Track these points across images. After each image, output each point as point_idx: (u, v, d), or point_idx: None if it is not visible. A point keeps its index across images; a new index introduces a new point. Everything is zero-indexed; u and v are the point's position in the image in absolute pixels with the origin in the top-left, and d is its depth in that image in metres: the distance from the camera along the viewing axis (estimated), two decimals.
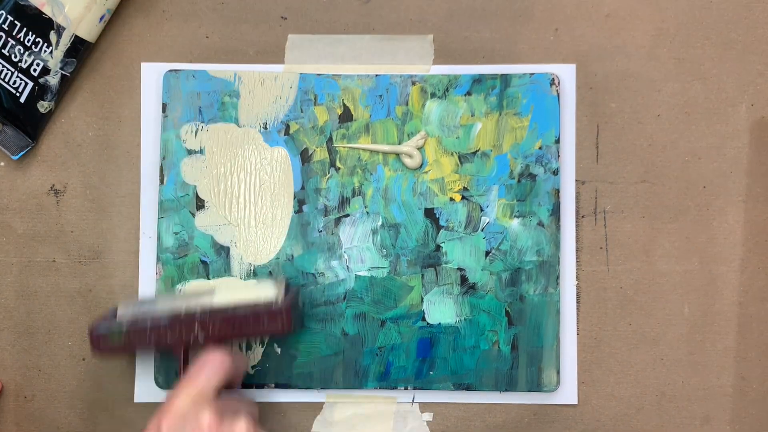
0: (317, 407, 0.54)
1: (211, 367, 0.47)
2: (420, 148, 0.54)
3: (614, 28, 0.55)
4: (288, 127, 0.54)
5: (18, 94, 0.53)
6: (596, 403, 0.54)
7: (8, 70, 0.53)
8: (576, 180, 0.55)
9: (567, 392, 0.54)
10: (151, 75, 0.55)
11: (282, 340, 0.53)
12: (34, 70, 0.53)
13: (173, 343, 0.49)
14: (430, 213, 0.54)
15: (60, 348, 0.55)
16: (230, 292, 0.50)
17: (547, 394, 0.54)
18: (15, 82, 0.53)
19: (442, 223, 0.54)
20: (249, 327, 0.49)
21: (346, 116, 0.54)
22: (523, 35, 0.55)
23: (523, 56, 0.55)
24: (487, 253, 0.54)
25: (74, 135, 0.55)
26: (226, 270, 0.54)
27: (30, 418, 0.55)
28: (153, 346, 0.49)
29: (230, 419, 0.45)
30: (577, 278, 0.54)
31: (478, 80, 0.54)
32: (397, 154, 0.54)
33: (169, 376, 0.53)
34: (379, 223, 0.54)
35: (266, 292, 0.50)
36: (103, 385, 0.54)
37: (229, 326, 0.49)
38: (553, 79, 0.54)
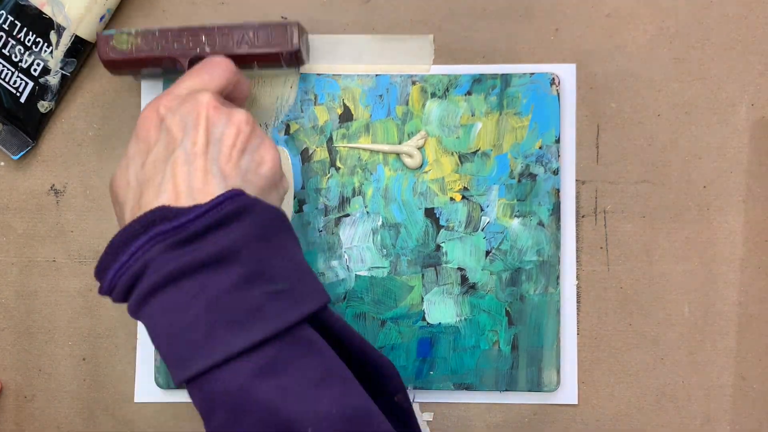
0: None
1: (215, 66, 0.45)
2: (420, 148, 0.54)
3: (614, 28, 0.55)
4: (288, 126, 0.54)
5: (18, 94, 0.53)
6: (596, 403, 0.54)
7: (8, 70, 0.53)
8: (576, 180, 0.55)
9: (567, 392, 0.54)
10: (151, 75, 0.55)
11: None
12: (35, 70, 0.53)
13: (179, 52, 0.48)
14: (430, 213, 0.54)
15: (60, 348, 0.55)
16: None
17: (547, 394, 0.54)
18: (15, 82, 0.53)
19: (442, 222, 0.54)
20: (253, 41, 0.48)
21: (346, 116, 0.54)
22: (523, 35, 0.55)
23: (523, 56, 0.55)
24: (488, 253, 0.54)
25: (74, 135, 0.55)
26: None
27: (30, 418, 0.54)
28: (158, 55, 0.48)
29: (230, 106, 0.43)
30: (577, 278, 0.54)
31: (478, 80, 0.54)
32: (398, 154, 0.54)
33: (170, 376, 0.53)
34: (380, 222, 0.54)
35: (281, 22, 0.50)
36: (103, 385, 0.54)
37: (235, 41, 0.48)
38: (554, 79, 0.54)
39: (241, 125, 0.42)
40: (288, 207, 0.53)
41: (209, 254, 0.38)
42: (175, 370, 0.39)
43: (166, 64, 0.50)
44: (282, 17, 0.55)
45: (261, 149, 0.43)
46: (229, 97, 0.47)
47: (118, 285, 0.39)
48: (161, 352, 0.39)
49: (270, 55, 0.49)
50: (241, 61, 0.49)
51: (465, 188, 0.54)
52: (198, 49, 0.48)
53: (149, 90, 0.55)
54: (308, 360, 0.39)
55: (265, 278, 0.39)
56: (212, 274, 0.38)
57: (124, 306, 0.54)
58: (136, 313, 0.40)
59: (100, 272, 0.40)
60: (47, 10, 0.52)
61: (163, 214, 0.39)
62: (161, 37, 0.49)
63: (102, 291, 0.41)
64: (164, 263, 0.38)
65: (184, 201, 0.39)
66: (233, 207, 0.39)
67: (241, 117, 0.43)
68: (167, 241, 0.38)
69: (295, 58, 0.50)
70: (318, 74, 0.54)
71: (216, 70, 0.45)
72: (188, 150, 0.41)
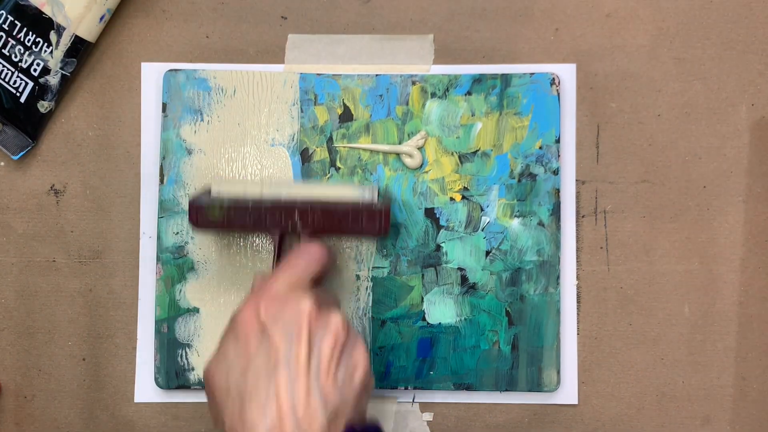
0: None
1: (309, 256, 0.46)
2: (420, 148, 0.54)
3: (614, 28, 0.55)
4: (288, 127, 0.54)
5: (18, 94, 0.53)
6: (596, 403, 0.54)
7: (8, 70, 0.53)
8: (576, 180, 0.55)
9: (567, 392, 0.54)
10: (151, 75, 0.55)
11: None
12: (35, 70, 0.53)
13: (271, 227, 0.49)
14: (430, 213, 0.54)
15: (60, 348, 0.55)
16: (328, 188, 0.51)
17: (547, 394, 0.54)
18: (15, 82, 0.53)
19: (442, 222, 0.54)
20: (347, 223, 0.49)
21: (346, 116, 0.54)
22: (523, 35, 0.55)
23: (523, 56, 0.55)
24: (488, 253, 0.54)
25: (74, 135, 0.55)
26: (226, 270, 0.54)
27: (30, 418, 0.54)
28: (250, 227, 0.49)
29: (326, 310, 0.43)
30: (578, 278, 0.54)
31: (478, 80, 0.54)
32: (398, 154, 0.54)
33: (170, 376, 0.53)
34: None
35: (363, 192, 0.50)
36: (103, 385, 0.54)
37: (328, 219, 0.49)
38: (554, 79, 0.54)
39: (339, 331, 0.42)
40: None
41: None
42: None
43: (256, 231, 0.51)
44: (282, 17, 0.55)
45: (354, 353, 0.43)
46: (323, 269, 0.47)
47: None
48: None
49: (357, 234, 0.51)
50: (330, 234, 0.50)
51: (465, 188, 0.54)
52: (290, 225, 0.49)
53: (150, 89, 0.55)
54: None
55: None
56: None
57: (124, 306, 0.54)
58: None
59: None
60: (47, 10, 0.52)
61: None
62: (254, 211, 0.49)
63: None
64: None
65: (287, 424, 0.39)
66: None
67: (337, 321, 0.43)
68: None
69: (383, 236, 0.52)
70: (318, 74, 0.54)
71: (312, 262, 0.46)
72: (292, 366, 0.41)
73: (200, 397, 0.54)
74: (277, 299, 0.43)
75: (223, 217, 0.49)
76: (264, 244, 0.54)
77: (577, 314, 0.54)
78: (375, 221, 0.49)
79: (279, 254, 0.49)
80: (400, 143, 0.54)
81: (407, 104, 0.54)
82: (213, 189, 0.51)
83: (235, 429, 0.40)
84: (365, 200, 0.50)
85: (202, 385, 0.53)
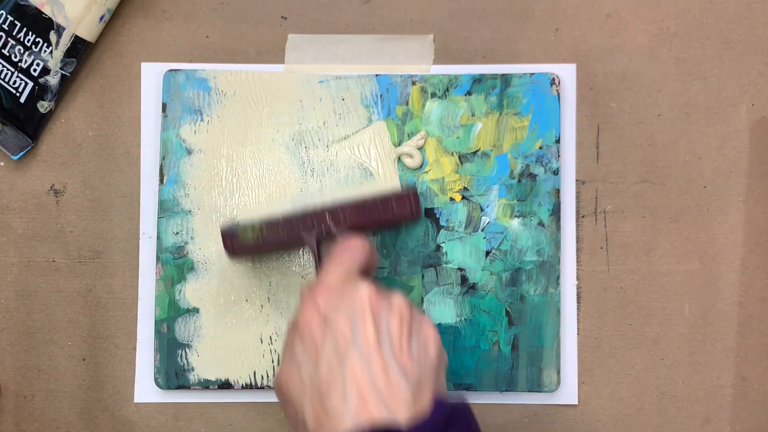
0: None
1: (352, 247, 0.46)
2: (420, 148, 0.54)
3: (614, 28, 0.55)
4: (288, 127, 0.54)
5: (18, 94, 0.53)
6: (596, 403, 0.54)
7: (8, 70, 0.53)
8: (576, 180, 0.55)
9: (567, 392, 0.54)
10: (151, 75, 0.55)
11: None
12: (34, 70, 0.53)
13: (305, 235, 0.49)
14: (430, 213, 0.54)
15: (60, 348, 0.55)
16: (350, 188, 0.52)
17: (547, 394, 0.54)
18: (15, 82, 0.53)
19: (442, 223, 0.54)
20: (378, 214, 0.49)
21: (346, 116, 0.54)
22: (523, 35, 0.55)
23: (523, 56, 0.55)
24: (488, 253, 0.54)
25: (74, 135, 0.55)
26: (226, 270, 0.54)
27: (30, 418, 0.54)
28: (285, 241, 0.49)
29: (385, 292, 0.43)
30: (578, 278, 0.54)
31: (478, 80, 0.54)
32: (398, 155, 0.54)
33: (170, 376, 0.53)
34: None
35: (387, 184, 0.51)
36: (103, 385, 0.54)
37: (359, 215, 0.49)
38: (554, 79, 0.54)
39: (402, 309, 0.42)
40: (288, 208, 0.53)
41: None
42: None
43: (293, 244, 0.51)
44: (282, 17, 0.55)
45: (422, 328, 0.43)
46: (367, 261, 0.47)
47: None
48: None
49: (392, 222, 0.51)
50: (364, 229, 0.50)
51: (465, 188, 0.54)
52: (324, 230, 0.49)
53: (150, 89, 0.55)
54: None
55: None
56: None
57: (123, 306, 0.54)
58: None
59: None
60: (47, 10, 0.52)
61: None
62: (286, 224, 0.49)
63: None
64: None
65: (372, 403, 0.39)
66: (442, 417, 0.39)
67: (399, 301, 0.43)
68: None
69: (416, 220, 0.52)
70: (318, 74, 0.54)
71: (356, 253, 0.46)
72: (362, 348, 0.40)
73: (200, 397, 0.54)
74: (333, 290, 0.43)
75: (257, 237, 0.49)
76: None
77: (577, 314, 0.54)
78: (406, 205, 0.50)
79: (320, 262, 0.49)
80: (400, 143, 0.54)
81: (407, 104, 0.54)
82: (240, 219, 0.51)
83: (320, 422, 0.40)
84: (390, 189, 0.50)
85: (202, 384, 0.53)
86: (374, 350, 0.40)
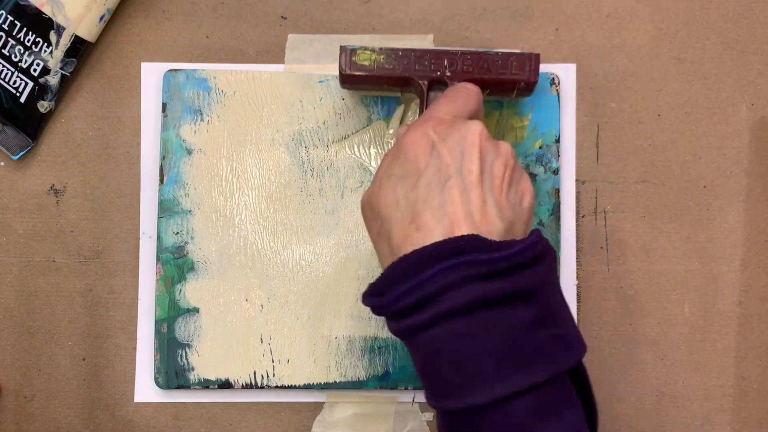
0: (317, 407, 0.54)
1: (468, 92, 0.46)
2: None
3: (614, 28, 0.55)
4: (288, 127, 0.54)
5: (18, 94, 0.53)
6: (596, 402, 0.54)
7: (8, 70, 0.53)
8: (576, 180, 0.55)
9: None
10: (151, 75, 0.55)
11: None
12: (34, 70, 0.53)
13: (419, 74, 0.48)
14: None
15: (60, 348, 0.55)
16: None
17: None
18: (15, 82, 0.53)
19: None
20: (496, 69, 0.48)
21: (345, 116, 0.54)
22: (523, 35, 0.55)
23: None
24: None
25: (74, 135, 0.55)
26: (226, 270, 0.54)
27: (30, 418, 0.54)
28: (398, 74, 0.49)
29: (493, 139, 0.43)
30: (577, 278, 0.54)
31: None
32: None
33: (170, 376, 0.53)
34: None
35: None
36: (103, 385, 0.54)
37: (476, 65, 0.48)
38: (554, 79, 0.54)
39: (508, 157, 0.43)
40: (288, 207, 0.53)
41: (513, 291, 0.38)
42: (446, 396, 0.39)
43: (402, 83, 0.50)
44: (282, 17, 0.55)
45: (522, 182, 0.44)
46: (478, 111, 0.47)
47: (403, 301, 0.39)
48: (432, 377, 0.39)
49: (506, 83, 0.50)
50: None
51: None
52: (438, 72, 0.49)
53: (150, 89, 0.55)
54: (573, 411, 0.40)
55: (551, 321, 0.40)
56: (510, 311, 0.38)
57: (123, 306, 0.54)
58: (412, 333, 0.39)
59: (385, 285, 0.40)
60: (47, 10, 0.52)
61: (475, 244, 0.39)
62: (404, 57, 0.49)
63: (379, 304, 0.40)
64: (467, 290, 0.38)
65: (465, 227, 0.39)
66: (539, 250, 0.40)
67: (507, 149, 0.43)
68: (474, 270, 0.38)
69: (529, 89, 0.50)
70: (318, 74, 0.54)
71: (470, 98, 0.45)
72: (465, 178, 0.41)
73: (200, 397, 0.54)
74: (445, 122, 0.43)
75: (373, 62, 0.48)
76: (265, 245, 0.54)
77: (577, 314, 0.54)
78: (525, 66, 0.49)
79: (428, 106, 0.48)
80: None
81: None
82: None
83: (408, 236, 0.40)
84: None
85: (202, 384, 0.53)
86: (476, 183, 0.41)
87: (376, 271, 0.54)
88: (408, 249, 0.39)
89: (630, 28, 0.55)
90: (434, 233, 0.39)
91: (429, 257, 0.38)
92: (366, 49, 0.49)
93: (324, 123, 0.54)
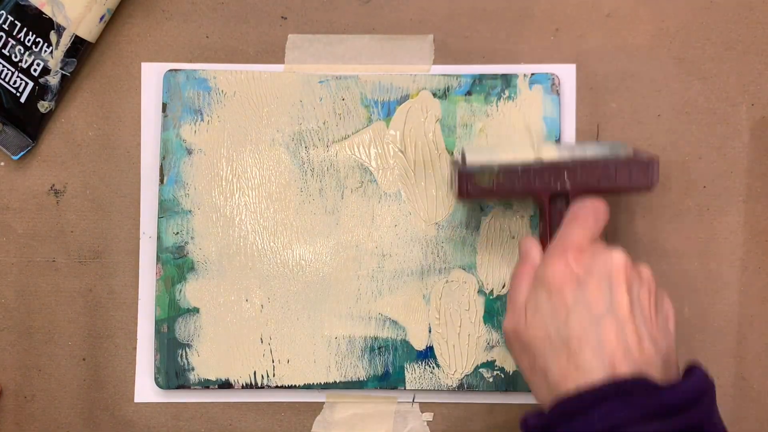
0: (317, 407, 0.54)
1: (598, 211, 0.45)
2: None
3: (614, 28, 0.55)
4: (288, 127, 0.54)
5: (18, 94, 0.53)
6: None
7: (8, 70, 0.53)
8: None
9: None
10: (151, 75, 0.55)
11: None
12: (35, 70, 0.53)
13: (540, 188, 0.48)
14: None
15: (60, 348, 0.55)
16: (584, 146, 0.50)
17: None
18: (15, 82, 0.53)
19: (442, 223, 0.54)
20: (616, 178, 0.48)
21: (346, 116, 0.54)
22: (523, 35, 0.55)
23: (523, 56, 0.55)
24: None
25: (74, 135, 0.55)
26: (226, 270, 0.54)
27: (30, 418, 0.54)
28: (518, 190, 0.48)
29: (635, 264, 0.44)
30: None
31: (478, 80, 0.54)
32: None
33: (170, 376, 0.53)
34: None
35: (619, 150, 0.50)
36: (103, 385, 0.54)
37: (597, 176, 0.48)
38: (554, 79, 0.54)
39: (651, 282, 0.43)
40: (288, 208, 0.53)
41: (680, 429, 0.38)
42: None
43: (522, 196, 0.50)
44: (282, 17, 0.55)
45: (664, 304, 0.44)
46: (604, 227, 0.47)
47: None
48: None
49: (629, 191, 0.50)
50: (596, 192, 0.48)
51: None
52: (559, 186, 0.48)
53: (150, 89, 0.55)
54: None
55: None
56: None
57: (123, 306, 0.54)
58: None
59: (551, 421, 0.40)
60: (47, 10, 0.52)
61: (644, 385, 0.39)
62: (524, 174, 0.48)
63: None
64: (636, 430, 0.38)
65: (625, 366, 0.40)
66: (702, 386, 0.40)
67: (648, 274, 0.44)
68: (643, 411, 0.38)
69: (649, 190, 0.49)
70: (319, 74, 0.54)
71: (600, 216, 0.46)
72: (617, 313, 0.41)
73: (200, 397, 0.54)
74: (586, 251, 0.43)
75: (492, 182, 0.48)
76: (265, 245, 0.54)
77: None
78: (646, 173, 0.48)
79: (550, 219, 0.48)
80: None
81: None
82: (469, 158, 0.50)
83: (568, 375, 0.40)
84: (627, 155, 0.49)
85: (202, 384, 0.53)
86: (628, 317, 0.41)
87: (376, 271, 0.54)
88: (569, 386, 0.40)
89: (630, 28, 0.55)
90: (594, 372, 0.40)
91: (596, 399, 0.39)
92: (485, 170, 0.48)
93: (324, 123, 0.54)
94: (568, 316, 0.42)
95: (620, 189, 0.48)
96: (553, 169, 0.48)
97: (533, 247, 0.46)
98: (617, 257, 0.42)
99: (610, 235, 0.54)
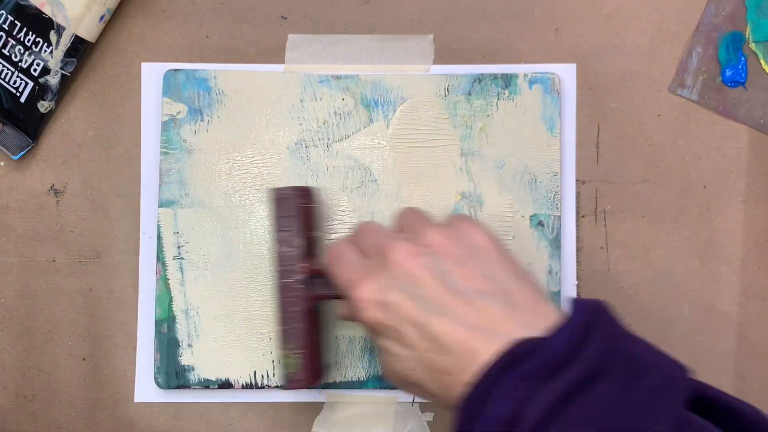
0: (317, 407, 0.54)
1: (341, 252, 0.45)
2: None
3: (614, 28, 0.55)
4: (288, 127, 0.54)
5: (18, 94, 0.53)
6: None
7: (8, 70, 0.53)
8: (576, 180, 0.55)
9: None
10: (151, 75, 0.55)
11: None
12: (35, 69, 0.53)
13: (306, 296, 0.49)
14: None
15: (60, 348, 0.55)
16: None
17: None
18: (15, 82, 0.53)
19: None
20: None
21: (346, 116, 0.54)
22: (523, 35, 0.55)
23: (523, 56, 0.55)
24: None
25: (74, 135, 0.55)
26: (226, 270, 0.54)
27: (30, 418, 0.54)
28: (305, 313, 0.49)
29: (412, 237, 0.42)
30: (577, 278, 0.54)
31: (478, 80, 0.54)
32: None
33: (170, 376, 0.53)
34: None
35: None
36: (103, 385, 0.54)
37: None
38: (554, 79, 0.54)
39: (439, 244, 0.42)
40: None
41: (579, 378, 0.35)
42: None
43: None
44: (282, 17, 0.55)
45: (467, 235, 0.43)
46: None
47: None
48: None
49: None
50: None
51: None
52: (303, 274, 0.49)
53: (150, 89, 0.55)
54: None
55: (633, 379, 0.36)
56: (587, 396, 0.35)
57: (124, 306, 0.54)
58: None
59: (462, 426, 0.37)
60: (47, 10, 0.52)
61: (522, 350, 0.36)
62: (289, 319, 0.49)
63: None
64: (538, 404, 0.35)
65: (483, 339, 0.37)
66: (583, 321, 0.37)
67: (432, 237, 0.42)
68: (534, 379, 0.35)
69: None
70: (318, 74, 0.54)
71: (348, 255, 0.46)
72: (436, 307, 0.40)
73: (200, 397, 0.54)
74: (368, 276, 0.42)
75: (298, 362, 0.49)
76: (264, 243, 0.54)
77: None
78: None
79: (332, 282, 0.47)
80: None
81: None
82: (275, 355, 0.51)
83: (444, 384, 0.39)
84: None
85: (202, 384, 0.53)
86: (445, 298, 0.39)
87: None
88: (457, 392, 0.38)
89: (630, 28, 0.55)
90: (464, 369, 0.38)
91: (486, 385, 0.36)
92: (286, 361, 0.49)
93: (324, 123, 0.54)
94: (405, 340, 0.40)
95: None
96: (285, 280, 0.49)
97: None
98: (394, 256, 0.41)
99: (610, 236, 0.54)
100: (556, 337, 0.37)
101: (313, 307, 0.50)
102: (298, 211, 0.49)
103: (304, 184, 0.53)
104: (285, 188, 0.50)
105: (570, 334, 0.36)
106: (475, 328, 0.38)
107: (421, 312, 0.39)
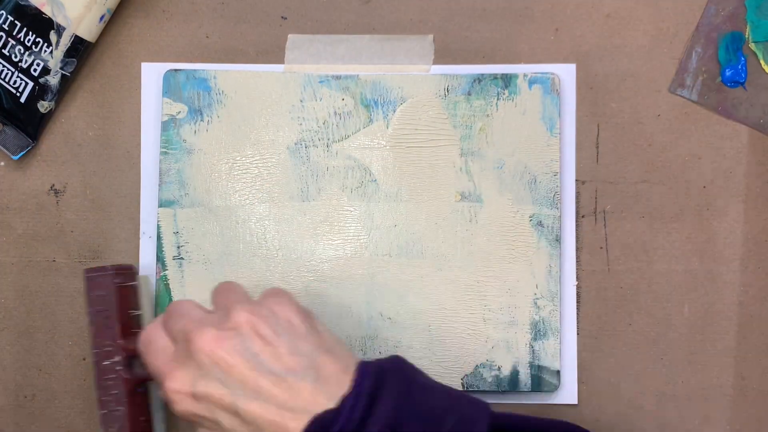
0: None
1: (151, 337, 0.45)
2: None
3: (614, 28, 0.55)
4: (288, 127, 0.54)
5: (18, 94, 0.53)
6: (596, 403, 0.54)
7: (8, 70, 0.53)
8: (576, 180, 0.55)
9: (567, 392, 0.54)
10: (151, 75, 0.55)
11: None
12: (35, 70, 0.53)
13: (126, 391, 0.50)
14: None
15: (60, 348, 0.55)
16: None
17: (547, 394, 0.54)
18: (15, 82, 0.53)
19: None
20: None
21: (345, 116, 0.54)
22: (523, 35, 0.55)
23: (523, 56, 0.55)
24: None
25: (74, 135, 0.55)
26: (226, 270, 0.54)
27: (30, 418, 0.54)
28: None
29: (219, 322, 0.42)
30: (577, 278, 0.54)
31: (478, 80, 0.54)
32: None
33: None
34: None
35: None
36: None
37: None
38: (554, 79, 0.54)
39: (245, 323, 0.43)
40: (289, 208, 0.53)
41: None
42: None
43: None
44: (282, 17, 0.55)
45: (276, 312, 0.44)
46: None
47: None
48: None
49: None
50: None
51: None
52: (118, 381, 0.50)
53: (150, 89, 0.55)
54: None
55: (430, 428, 0.39)
56: None
57: None
58: None
59: None
60: (47, 10, 0.52)
61: (322, 423, 0.38)
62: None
63: None
64: None
65: (294, 419, 0.39)
66: (367, 383, 0.40)
67: (238, 318, 0.43)
68: None
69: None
70: (318, 74, 0.54)
71: (157, 340, 0.46)
72: (245, 389, 0.41)
73: None
74: (176, 368, 0.43)
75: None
76: (264, 243, 0.54)
77: (577, 314, 0.54)
78: None
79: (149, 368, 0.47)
80: None
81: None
82: None
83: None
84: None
85: None
86: (256, 381, 0.40)
87: (377, 272, 0.54)
88: None
89: (630, 28, 0.55)
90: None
91: None
92: None
93: (324, 123, 0.54)
94: (223, 427, 0.41)
95: None
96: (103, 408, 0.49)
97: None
98: (200, 344, 0.41)
99: (610, 236, 0.54)
100: (344, 405, 0.39)
101: (136, 388, 0.49)
102: (113, 289, 0.49)
103: (123, 263, 0.52)
104: (98, 267, 0.50)
105: (358, 401, 0.39)
106: (286, 407, 0.39)
107: (234, 398, 0.40)
